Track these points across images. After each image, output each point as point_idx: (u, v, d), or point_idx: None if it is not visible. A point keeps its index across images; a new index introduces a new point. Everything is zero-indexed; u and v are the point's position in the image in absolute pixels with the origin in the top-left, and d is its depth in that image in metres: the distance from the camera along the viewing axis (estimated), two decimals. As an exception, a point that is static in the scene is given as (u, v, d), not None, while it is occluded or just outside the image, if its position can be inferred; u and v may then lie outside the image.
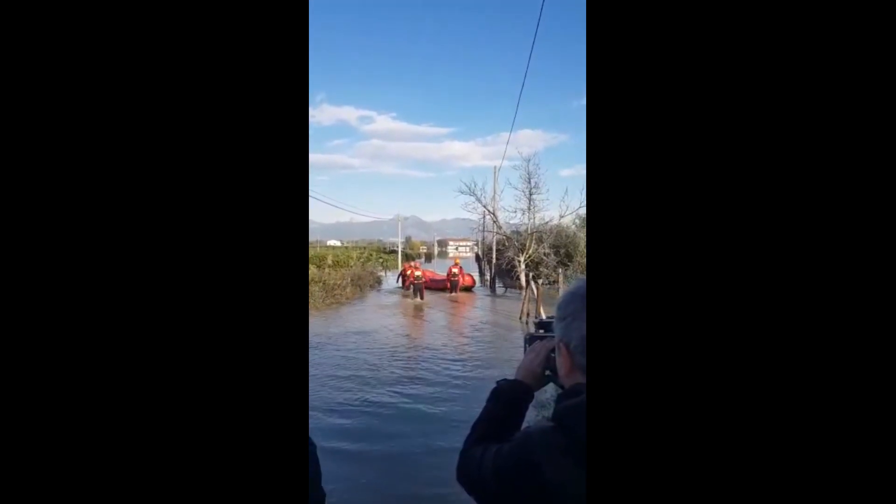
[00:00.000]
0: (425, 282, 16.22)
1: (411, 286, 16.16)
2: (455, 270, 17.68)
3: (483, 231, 23.15)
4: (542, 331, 0.92)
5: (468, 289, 18.08)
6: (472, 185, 18.11)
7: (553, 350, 0.79)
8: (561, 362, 0.75)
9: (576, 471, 0.61)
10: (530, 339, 0.91)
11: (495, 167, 20.44)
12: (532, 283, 11.80)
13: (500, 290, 18.92)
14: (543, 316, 7.99)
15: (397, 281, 19.13)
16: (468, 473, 0.77)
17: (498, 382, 0.88)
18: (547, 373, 0.85)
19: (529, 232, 16.85)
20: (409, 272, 16.97)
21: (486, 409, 0.86)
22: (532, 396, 0.86)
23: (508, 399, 0.85)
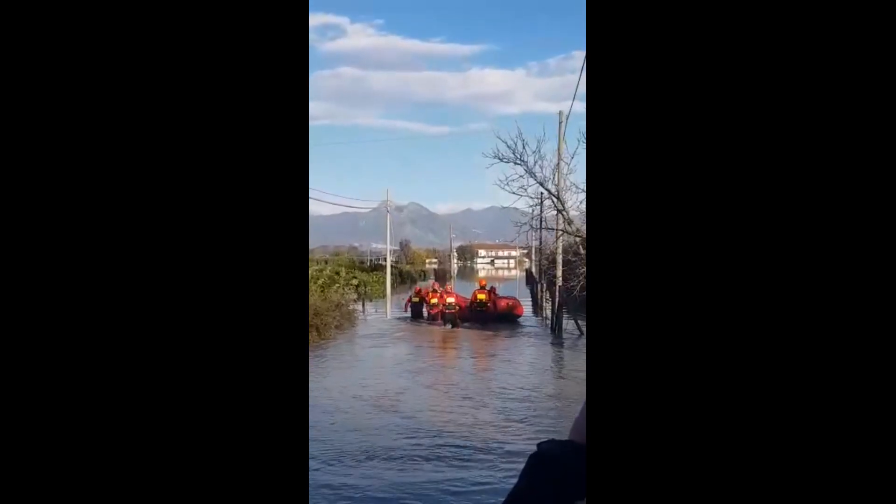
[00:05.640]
0: (460, 309, 11.68)
1: (441, 315, 11.96)
2: (482, 296, 11.86)
3: (539, 229, 14.56)
4: None
5: (515, 317, 12.17)
6: (518, 147, 9.64)
7: None
8: None
9: None
10: None
11: (560, 113, 12.65)
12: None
13: (572, 330, 11.13)
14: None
15: (405, 309, 14.00)
16: None
17: (539, 445, 0.60)
18: None
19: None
20: (436, 299, 12.51)
21: (522, 483, 0.57)
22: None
23: (556, 465, 0.57)
